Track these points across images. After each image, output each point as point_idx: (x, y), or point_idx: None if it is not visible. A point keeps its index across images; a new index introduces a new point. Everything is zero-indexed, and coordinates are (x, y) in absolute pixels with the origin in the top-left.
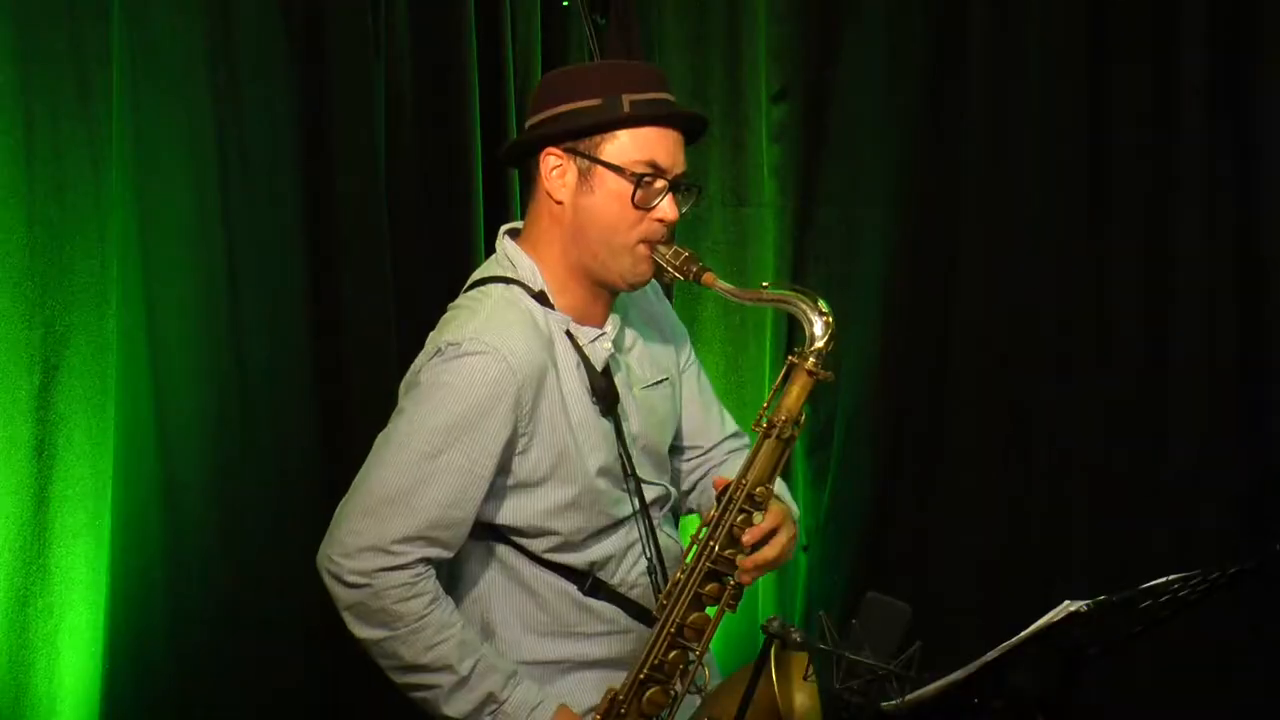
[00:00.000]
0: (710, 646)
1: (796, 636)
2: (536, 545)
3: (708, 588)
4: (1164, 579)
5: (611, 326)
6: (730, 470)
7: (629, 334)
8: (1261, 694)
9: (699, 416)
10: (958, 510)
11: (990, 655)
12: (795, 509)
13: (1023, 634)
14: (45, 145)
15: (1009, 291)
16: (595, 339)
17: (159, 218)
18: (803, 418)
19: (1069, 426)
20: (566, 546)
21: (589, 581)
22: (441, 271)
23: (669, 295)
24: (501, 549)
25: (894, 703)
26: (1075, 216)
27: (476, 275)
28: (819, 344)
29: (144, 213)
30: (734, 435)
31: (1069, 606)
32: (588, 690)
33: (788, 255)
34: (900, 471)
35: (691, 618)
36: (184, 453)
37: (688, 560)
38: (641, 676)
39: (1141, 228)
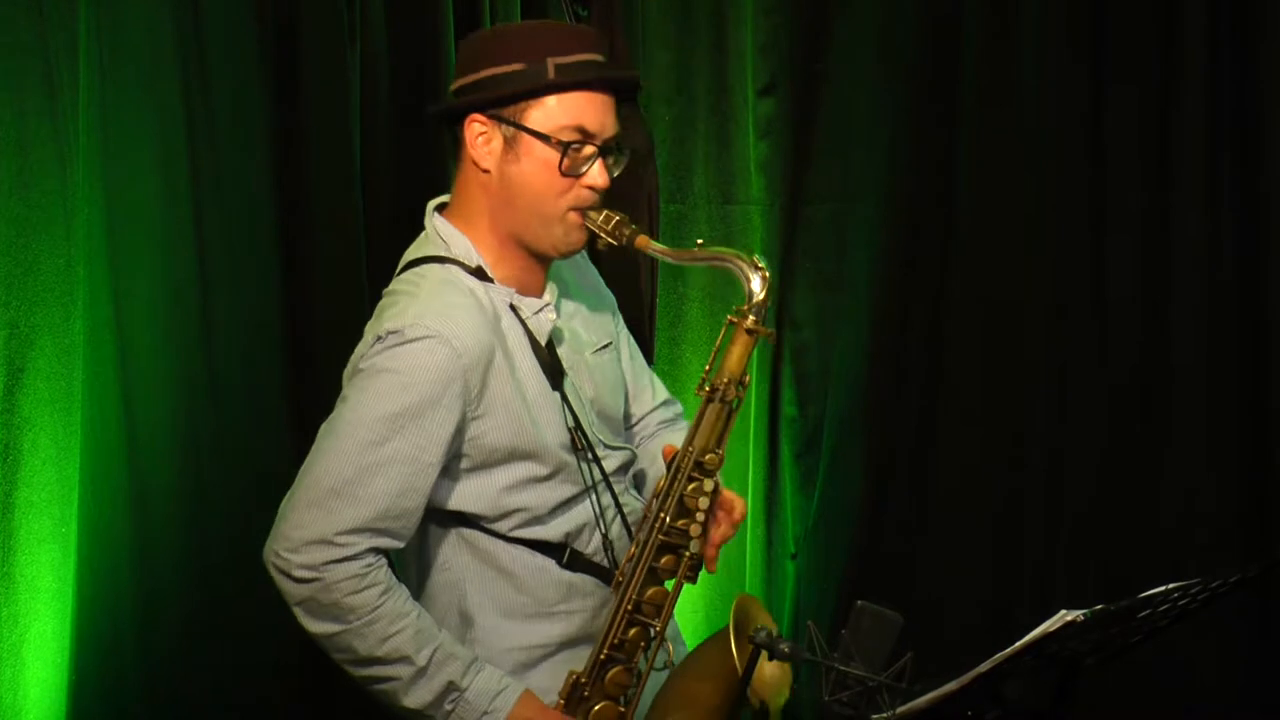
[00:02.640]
0: (677, 623)
1: (784, 647)
2: (503, 525)
3: (663, 560)
4: (1163, 587)
5: (551, 295)
6: (663, 437)
7: (570, 301)
8: (1263, 702)
9: (631, 385)
10: (951, 516)
11: (984, 666)
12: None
13: (1018, 644)
14: (10, 140)
15: (1002, 291)
16: (539, 310)
17: (127, 215)
18: (747, 378)
19: (1065, 429)
20: (534, 521)
21: (566, 554)
22: None
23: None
24: (472, 534)
25: (885, 715)
26: (1071, 214)
27: (408, 256)
28: (757, 299)
29: (111, 210)
30: (665, 404)
31: (1065, 616)
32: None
33: (776, 254)
34: (891, 475)
35: (649, 593)
36: (153, 457)
37: (640, 534)
38: (602, 657)
39: (1140, 227)
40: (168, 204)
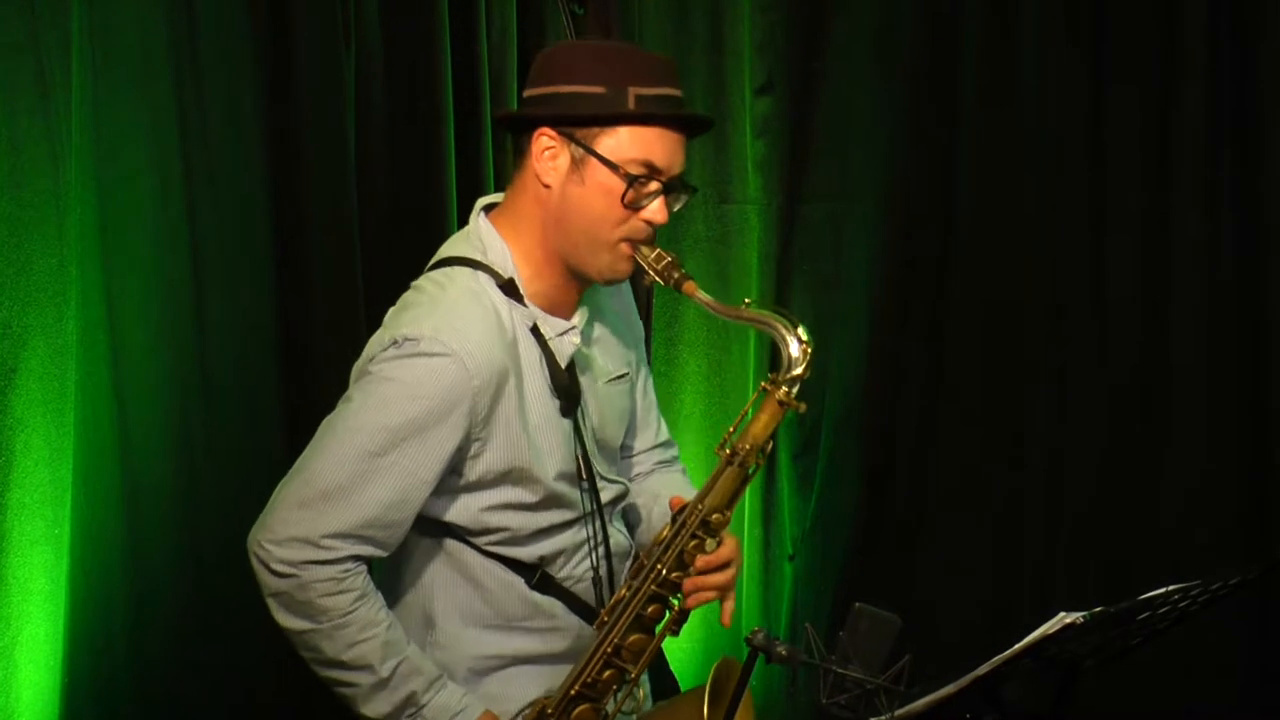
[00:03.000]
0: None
1: (781, 649)
2: (480, 539)
3: (650, 609)
4: (1163, 589)
5: (580, 319)
6: (657, 483)
7: (597, 326)
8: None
9: (640, 418)
10: (950, 517)
11: (983, 668)
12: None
13: (1017, 646)
14: (2, 139)
15: (1002, 291)
16: (563, 333)
17: (120, 214)
18: (769, 447)
19: (1065, 429)
20: (512, 541)
21: (537, 575)
22: (413, 271)
23: (650, 287)
24: (448, 541)
25: (883, 718)
26: (1071, 214)
27: (444, 251)
28: (795, 371)
29: (104, 209)
30: (664, 444)
31: (1065, 618)
32: (526, 685)
33: (772, 253)
34: (890, 477)
35: (631, 639)
36: (146, 458)
37: (634, 581)
38: (573, 692)
39: (1140, 226)
40: (161, 203)
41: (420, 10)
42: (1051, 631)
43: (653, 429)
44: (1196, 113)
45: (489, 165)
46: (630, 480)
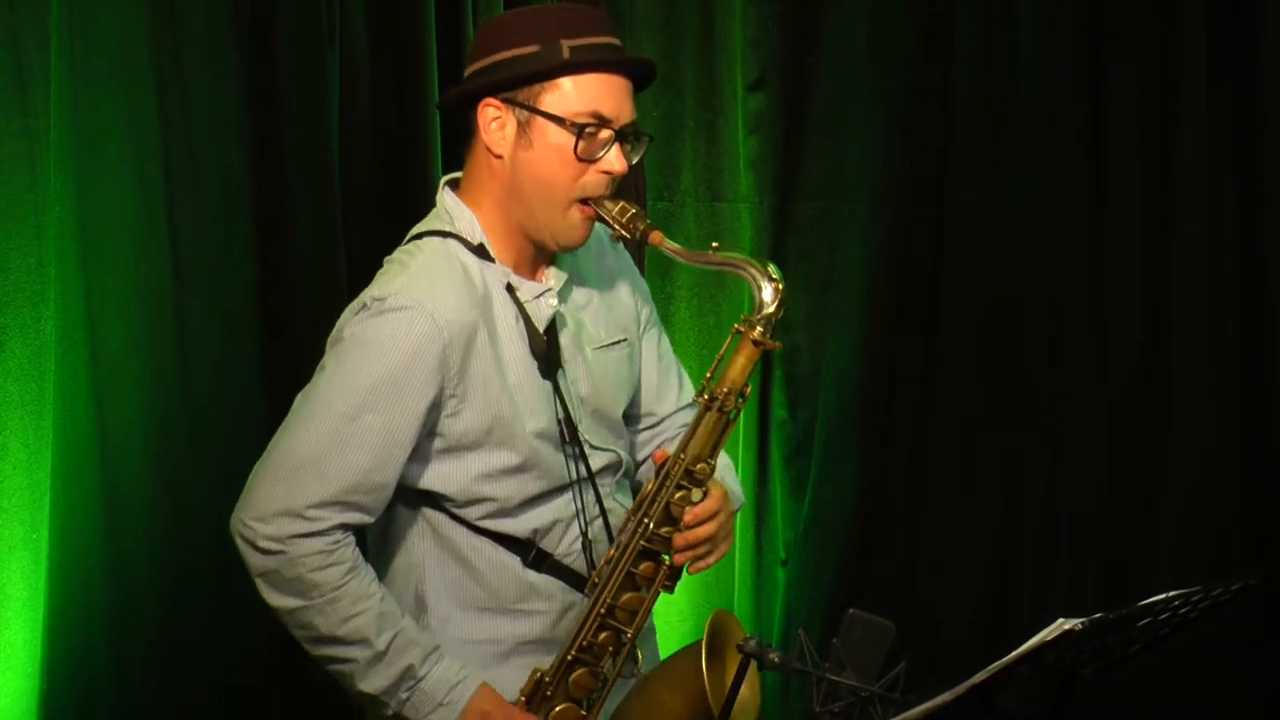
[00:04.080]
0: (655, 625)
1: (773, 656)
2: (470, 512)
3: (642, 567)
4: (1163, 595)
5: (556, 281)
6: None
7: (584, 291)
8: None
9: (655, 383)
10: (946, 521)
11: (980, 676)
12: (739, 493)
13: (1014, 653)
14: None
15: (999, 290)
16: (539, 295)
17: (100, 212)
18: (748, 389)
19: (1063, 431)
20: (502, 513)
21: (532, 553)
22: None
23: (640, 266)
24: (436, 516)
25: None
26: (1069, 211)
27: (415, 230)
28: (768, 310)
29: (83, 207)
30: (690, 406)
31: (1063, 624)
32: (527, 673)
33: (765, 252)
34: (885, 479)
35: (624, 598)
36: (126, 461)
37: (621, 537)
38: (570, 657)
39: (1140, 225)
40: (141, 201)
41: (406, 7)
42: (1050, 638)
43: (674, 392)
44: (1198, 107)
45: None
46: (657, 447)
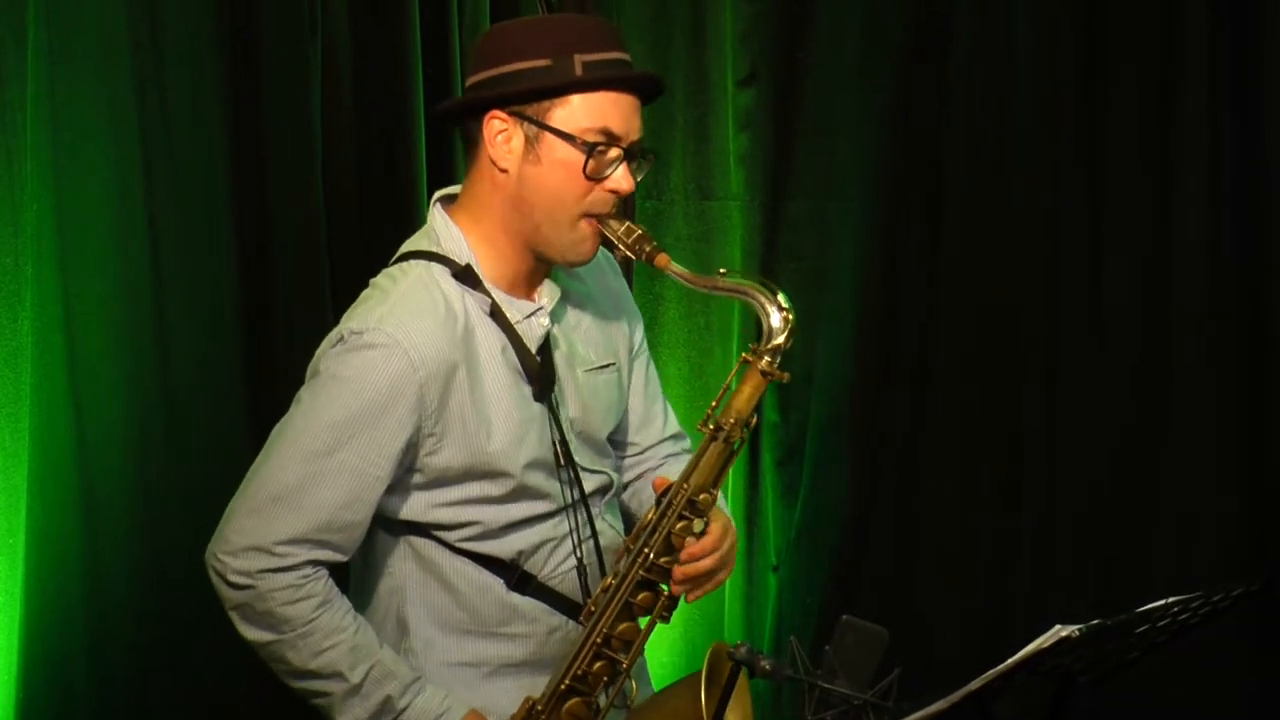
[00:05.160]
0: (645, 657)
1: (765, 664)
2: (451, 536)
3: (640, 596)
4: (1162, 601)
5: (548, 299)
6: (668, 474)
7: (576, 312)
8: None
9: (640, 412)
10: (941, 526)
11: (975, 684)
12: (729, 517)
13: (1010, 660)
14: None
15: (994, 290)
16: (531, 314)
17: (78, 211)
18: (753, 420)
19: (1061, 433)
20: (485, 536)
21: (516, 575)
22: (382, 267)
23: (629, 281)
24: (418, 541)
25: None
26: (1066, 209)
27: (403, 248)
28: (776, 341)
29: (61, 206)
30: (674, 437)
31: (1060, 631)
32: (515, 696)
33: (756, 251)
34: (878, 484)
35: (620, 628)
36: (105, 465)
37: (620, 566)
38: (563, 687)
39: (1138, 224)
40: (120, 200)
41: (390, 4)
42: (1046, 645)
43: (658, 421)
44: (1198, 103)
45: (460, 162)
46: (637, 479)
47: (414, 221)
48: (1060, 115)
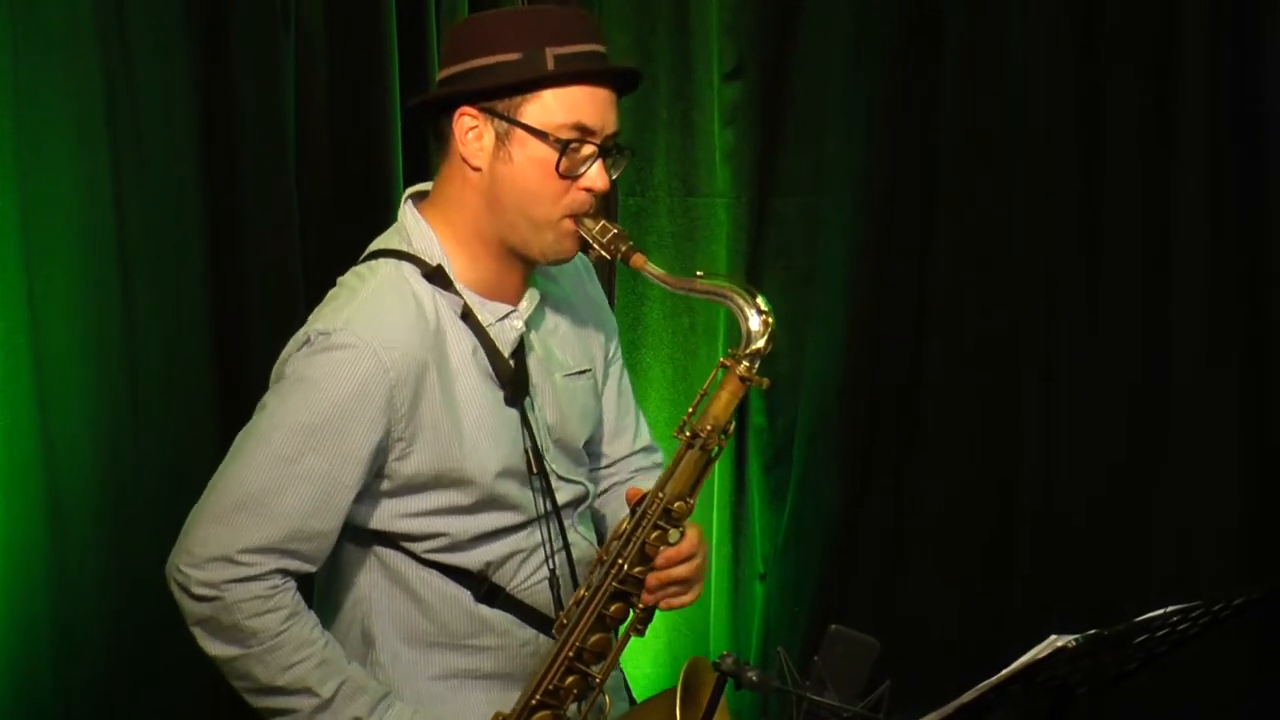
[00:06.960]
0: (621, 671)
1: (752, 675)
2: (418, 547)
3: (613, 608)
4: (1161, 611)
5: (527, 302)
6: (639, 487)
7: (554, 316)
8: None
9: (612, 422)
10: (933, 532)
11: (968, 696)
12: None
13: (1004, 672)
14: None
15: (986, 290)
16: (504, 317)
17: (43, 209)
18: (731, 427)
19: (1056, 436)
20: (453, 548)
21: (484, 587)
22: None
23: (611, 288)
24: (384, 551)
25: None
26: (1061, 208)
27: (372, 246)
28: (755, 345)
29: (25, 203)
30: (645, 450)
31: (1056, 641)
32: (485, 711)
33: (742, 250)
34: (868, 489)
35: (592, 640)
36: (72, 471)
37: (593, 578)
38: (534, 701)
39: (1137, 223)
40: (87, 196)
41: None
42: (1042, 656)
43: (630, 433)
44: (1198, 101)
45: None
46: (606, 490)
47: (390, 217)
48: (1055, 110)
